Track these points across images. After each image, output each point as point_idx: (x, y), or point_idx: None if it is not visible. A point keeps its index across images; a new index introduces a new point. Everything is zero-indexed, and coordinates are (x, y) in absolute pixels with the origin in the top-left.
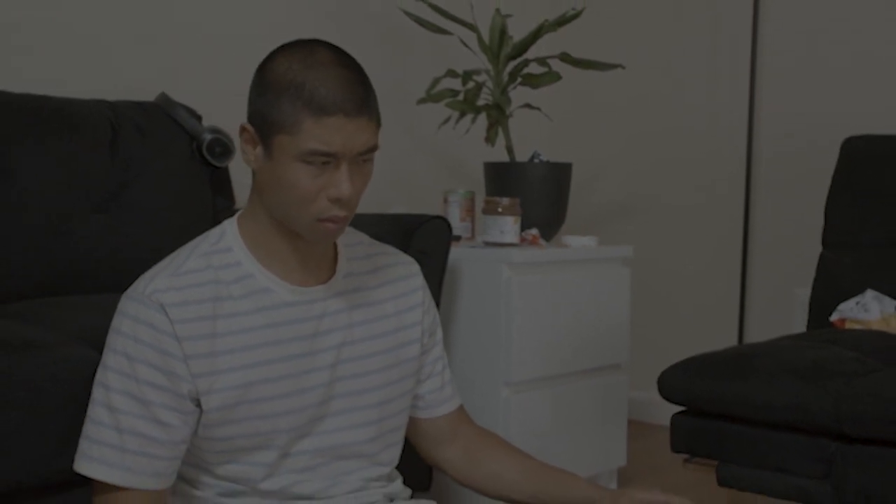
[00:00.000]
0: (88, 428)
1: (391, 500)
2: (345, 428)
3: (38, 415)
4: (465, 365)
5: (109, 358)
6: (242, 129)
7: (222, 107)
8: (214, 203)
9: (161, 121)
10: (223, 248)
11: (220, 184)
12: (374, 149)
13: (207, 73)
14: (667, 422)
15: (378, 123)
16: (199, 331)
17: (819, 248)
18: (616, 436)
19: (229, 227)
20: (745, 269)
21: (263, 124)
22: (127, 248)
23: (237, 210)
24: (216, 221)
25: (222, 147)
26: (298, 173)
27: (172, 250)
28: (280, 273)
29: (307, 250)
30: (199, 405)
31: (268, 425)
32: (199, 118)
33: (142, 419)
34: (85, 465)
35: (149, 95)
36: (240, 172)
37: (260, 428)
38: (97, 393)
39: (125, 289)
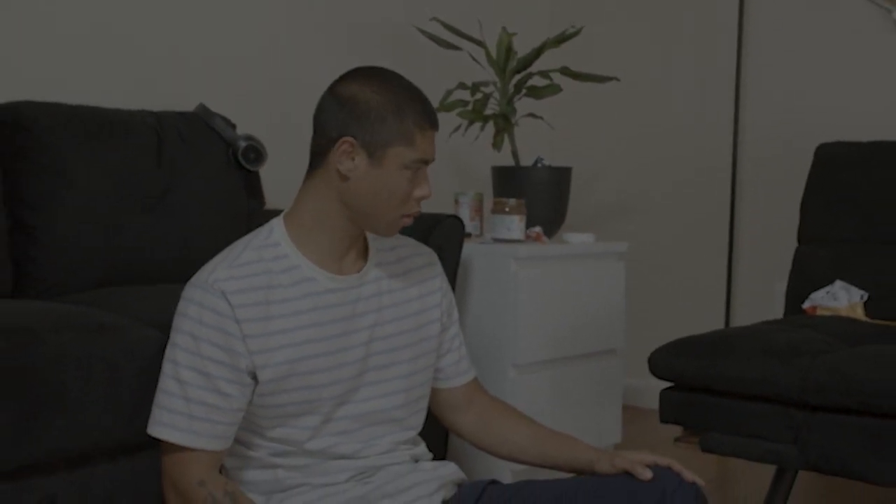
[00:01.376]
0: (160, 398)
1: (416, 461)
2: (377, 396)
3: (114, 387)
4: (476, 349)
5: (178, 337)
6: (342, 142)
7: (255, 116)
8: (248, 204)
9: (200, 129)
10: (272, 244)
11: (253, 187)
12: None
13: (240, 84)
14: (655, 406)
15: None
16: (255, 314)
17: (796, 244)
18: (612, 415)
19: (276, 225)
20: (731, 264)
21: (371, 141)
22: (172, 245)
23: (267, 210)
24: (249, 221)
25: (256, 153)
26: (403, 179)
27: (212, 247)
28: (321, 264)
29: (343, 245)
30: (254, 378)
31: (313, 394)
32: (233, 126)
33: (206, 390)
34: (157, 429)
35: (186, 105)
36: (268, 177)
37: (306, 396)
38: (167, 368)
39: (173, 280)
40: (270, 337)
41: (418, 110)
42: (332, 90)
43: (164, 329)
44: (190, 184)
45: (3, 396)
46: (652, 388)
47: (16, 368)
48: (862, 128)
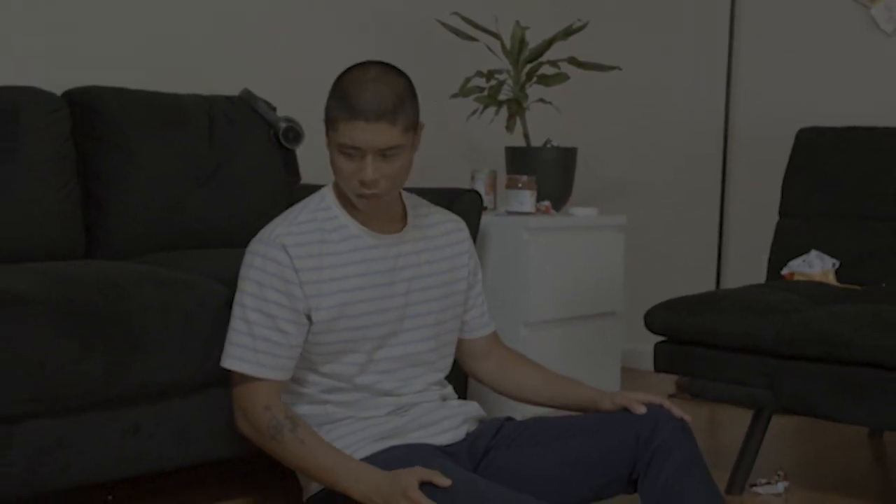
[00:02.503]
0: (231, 336)
1: (444, 400)
2: (413, 340)
3: (188, 333)
4: (492, 309)
5: (245, 285)
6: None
7: (293, 99)
8: (287, 179)
9: (245, 112)
10: (324, 207)
11: (290, 163)
12: (394, 147)
13: (280, 70)
14: (653, 368)
15: (404, 129)
16: (310, 264)
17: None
18: (612, 369)
19: (327, 192)
20: (721, 237)
21: (326, 119)
22: (222, 214)
23: (303, 185)
24: (289, 194)
25: (294, 134)
26: (339, 159)
27: (256, 216)
28: (365, 224)
29: (381, 209)
30: (309, 318)
31: (358, 334)
32: (274, 109)
33: (269, 329)
34: (229, 361)
35: (232, 90)
36: (302, 154)
37: (352, 336)
38: (237, 311)
39: (223, 245)
40: (323, 284)
41: (348, 100)
42: None
43: (226, 284)
44: (237, 161)
45: (97, 341)
46: (648, 353)
47: (107, 317)
48: (839, 115)
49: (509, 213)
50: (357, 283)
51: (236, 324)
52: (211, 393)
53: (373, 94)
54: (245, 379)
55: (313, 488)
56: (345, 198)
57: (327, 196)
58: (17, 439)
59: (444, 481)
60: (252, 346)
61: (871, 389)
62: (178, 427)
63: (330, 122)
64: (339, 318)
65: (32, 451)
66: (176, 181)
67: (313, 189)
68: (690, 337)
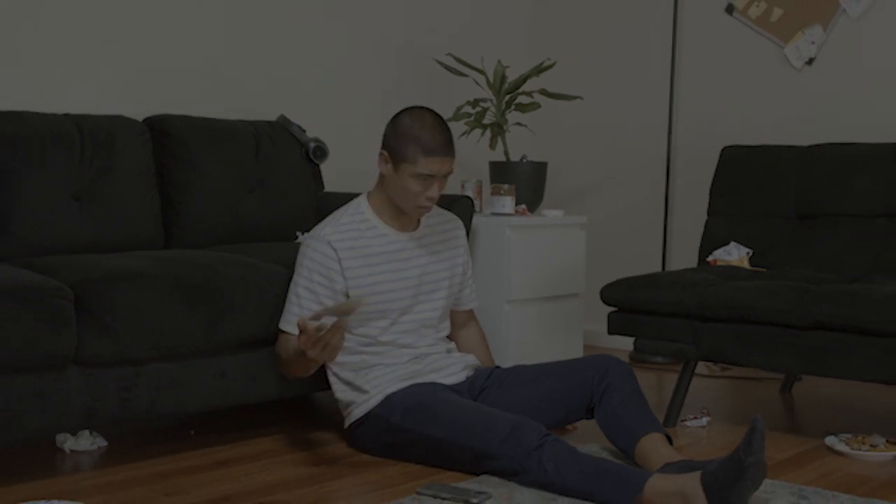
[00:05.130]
0: (286, 306)
1: (449, 352)
2: (426, 310)
3: (261, 300)
4: (481, 289)
5: (300, 269)
6: (381, 153)
7: (320, 122)
8: (314, 189)
9: (283, 134)
10: (360, 212)
11: (317, 175)
12: (450, 172)
13: (309, 99)
14: (612, 345)
15: (454, 157)
16: (351, 255)
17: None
18: (576, 339)
19: (362, 200)
20: (666, 233)
21: (395, 155)
22: (266, 216)
23: (326, 193)
24: (316, 200)
25: (322, 152)
26: (412, 183)
27: (292, 219)
28: (390, 225)
29: (399, 214)
30: (347, 296)
31: (384, 306)
32: (304, 131)
33: (314, 302)
34: (282, 324)
35: (270, 115)
36: (325, 167)
37: (380, 307)
38: (292, 288)
39: (268, 240)
40: (361, 269)
41: (425, 141)
42: (394, 116)
43: (285, 266)
44: (277, 173)
45: (198, 306)
46: (605, 332)
47: (205, 288)
48: (756, 135)
49: (494, 214)
50: (384, 269)
51: (290, 297)
52: (274, 348)
53: (441, 135)
54: (290, 339)
55: (353, 416)
56: (377, 206)
57: (362, 204)
58: (143, 378)
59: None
60: (300, 314)
61: (767, 342)
62: (252, 373)
63: (407, 158)
64: (371, 293)
65: (153, 387)
66: (230, 189)
67: (334, 196)
68: (635, 307)
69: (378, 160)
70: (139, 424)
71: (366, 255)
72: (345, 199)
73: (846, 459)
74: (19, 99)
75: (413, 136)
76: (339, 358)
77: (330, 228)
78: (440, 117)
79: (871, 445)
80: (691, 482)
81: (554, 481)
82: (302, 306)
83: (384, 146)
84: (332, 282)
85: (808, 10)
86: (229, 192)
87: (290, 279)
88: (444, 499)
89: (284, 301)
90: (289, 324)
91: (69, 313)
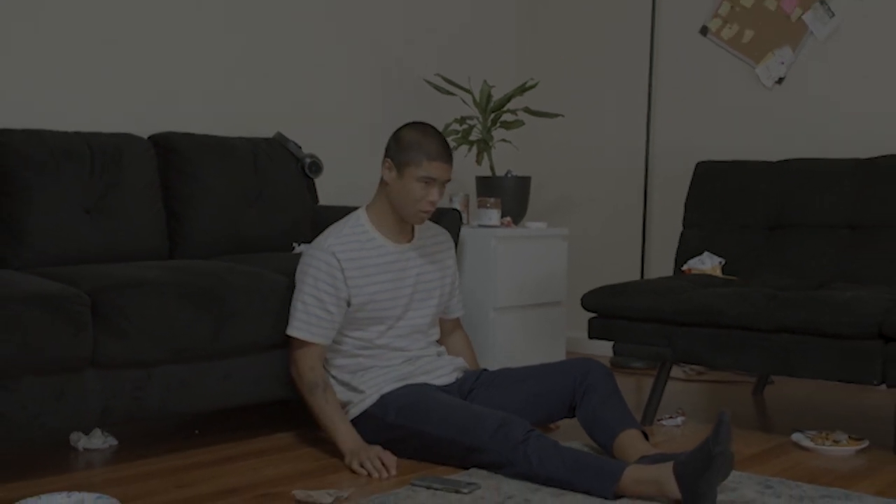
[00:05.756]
0: (293, 313)
1: (439, 355)
2: (418, 317)
3: (264, 307)
4: (469, 298)
5: (305, 278)
6: (385, 161)
7: (314, 138)
8: (309, 202)
9: (279, 150)
10: (360, 224)
11: (311, 189)
12: (448, 180)
13: (304, 116)
14: (593, 352)
15: (452, 167)
16: (352, 265)
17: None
18: (558, 344)
19: (361, 213)
20: (644, 243)
21: (399, 162)
22: (264, 228)
23: (319, 206)
24: (312, 212)
25: (316, 167)
26: (416, 187)
27: (289, 230)
28: (387, 237)
29: (398, 226)
30: (348, 303)
31: (380, 313)
32: (300, 147)
33: (319, 308)
34: (291, 330)
35: (267, 132)
36: (320, 182)
37: (377, 314)
38: (297, 295)
39: (266, 251)
40: (360, 279)
41: (427, 147)
42: (396, 130)
43: (286, 275)
44: (275, 187)
45: (205, 311)
46: (585, 339)
47: (211, 295)
48: (729, 151)
49: (480, 226)
50: (382, 279)
51: (297, 304)
52: (277, 352)
53: (440, 143)
54: (300, 344)
55: (350, 415)
56: (376, 219)
57: (361, 217)
58: (154, 379)
59: (392, 460)
60: (307, 320)
61: (737, 344)
62: (256, 375)
63: (410, 163)
64: (370, 301)
65: (163, 388)
66: (231, 202)
67: (329, 209)
68: (614, 313)
69: (382, 169)
70: (150, 423)
71: (365, 265)
72: (338, 211)
73: (811, 454)
74: (34, 118)
75: (417, 143)
76: (337, 360)
77: (333, 239)
78: (439, 131)
79: (834, 441)
80: (665, 471)
81: (538, 473)
82: (308, 312)
83: (387, 155)
84: (336, 290)
85: (778, 32)
86: (231, 205)
87: (290, 287)
88: (436, 489)
89: (286, 308)
90: (297, 329)
91: (86, 319)
